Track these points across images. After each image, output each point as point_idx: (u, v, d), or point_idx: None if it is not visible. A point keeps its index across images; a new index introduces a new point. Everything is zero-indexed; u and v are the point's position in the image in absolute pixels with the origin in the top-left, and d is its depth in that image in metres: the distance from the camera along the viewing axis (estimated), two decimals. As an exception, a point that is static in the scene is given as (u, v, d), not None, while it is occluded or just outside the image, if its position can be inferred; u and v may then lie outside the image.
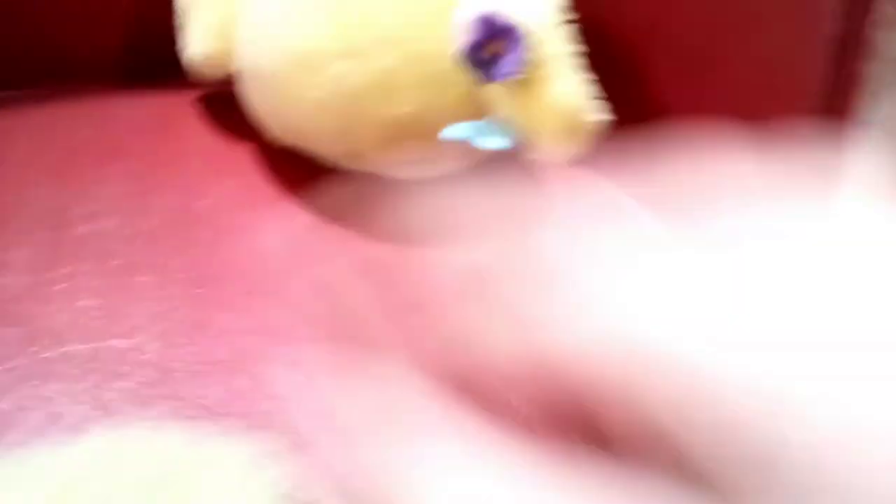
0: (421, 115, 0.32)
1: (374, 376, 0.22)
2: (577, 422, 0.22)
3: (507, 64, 0.30)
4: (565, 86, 0.30)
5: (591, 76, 0.31)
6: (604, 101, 0.31)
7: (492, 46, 0.30)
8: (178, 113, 0.40)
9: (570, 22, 0.31)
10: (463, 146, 0.31)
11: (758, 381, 0.18)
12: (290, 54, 0.33)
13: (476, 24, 0.30)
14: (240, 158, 0.37)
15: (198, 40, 0.37)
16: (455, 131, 0.31)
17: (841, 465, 0.17)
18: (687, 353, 0.19)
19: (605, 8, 0.37)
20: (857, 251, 0.21)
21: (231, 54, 0.36)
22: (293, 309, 0.29)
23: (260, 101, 0.36)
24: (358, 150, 0.34)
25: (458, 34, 0.30)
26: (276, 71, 0.34)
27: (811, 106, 0.35)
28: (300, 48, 0.33)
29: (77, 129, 0.38)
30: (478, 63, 0.30)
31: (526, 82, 0.30)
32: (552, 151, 0.31)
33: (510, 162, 0.33)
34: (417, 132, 0.33)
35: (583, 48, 0.31)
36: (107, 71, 0.42)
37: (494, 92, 0.31)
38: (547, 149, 0.31)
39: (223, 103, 0.39)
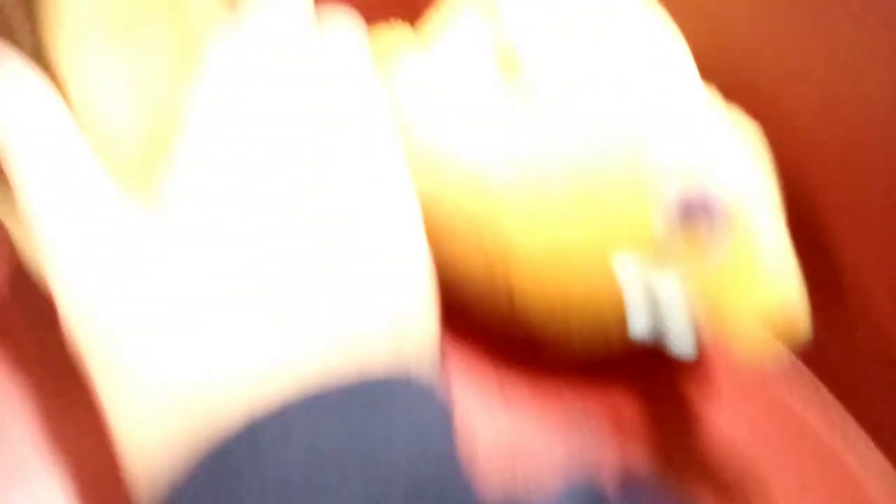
0: (595, 293, 0.28)
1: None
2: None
3: (713, 240, 0.25)
4: (775, 274, 0.26)
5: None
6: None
7: (696, 218, 0.26)
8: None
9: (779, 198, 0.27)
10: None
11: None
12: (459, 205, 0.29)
13: (684, 197, 0.26)
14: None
15: None
16: (640, 325, 0.26)
17: None
18: None
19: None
20: None
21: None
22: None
23: None
24: (515, 313, 0.30)
25: (660, 207, 0.26)
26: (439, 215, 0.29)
27: None
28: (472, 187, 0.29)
29: None
30: (679, 235, 0.26)
31: (729, 266, 0.26)
32: (750, 350, 0.27)
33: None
34: (589, 312, 0.29)
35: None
36: None
37: (685, 268, 0.27)
38: (744, 346, 0.26)
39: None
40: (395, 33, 0.32)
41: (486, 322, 0.32)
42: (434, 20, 0.32)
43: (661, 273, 0.26)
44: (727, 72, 0.32)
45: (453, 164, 0.29)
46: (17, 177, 0.21)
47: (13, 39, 0.22)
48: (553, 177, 0.28)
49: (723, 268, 0.26)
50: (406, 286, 0.22)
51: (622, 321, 0.27)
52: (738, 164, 0.27)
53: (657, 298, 0.26)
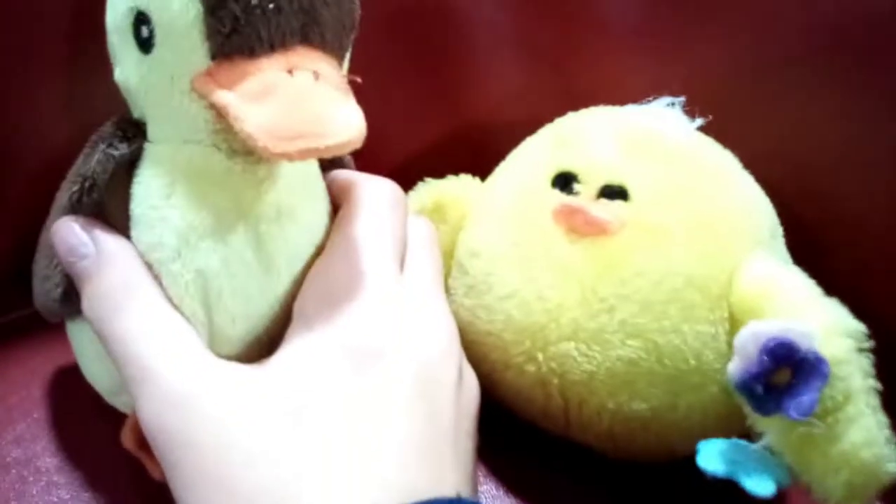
0: (658, 416, 0.27)
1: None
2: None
3: (803, 401, 0.24)
4: (865, 431, 0.24)
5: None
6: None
7: (780, 374, 0.24)
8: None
9: (870, 350, 0.25)
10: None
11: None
12: (513, 320, 0.29)
13: (769, 350, 0.24)
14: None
15: None
16: (712, 461, 0.25)
17: None
18: None
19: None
20: None
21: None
22: None
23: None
24: (574, 434, 0.30)
25: (740, 356, 0.25)
26: (490, 331, 0.30)
27: None
28: (529, 318, 0.29)
29: None
30: (759, 392, 0.24)
31: (817, 420, 0.24)
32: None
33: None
34: (651, 435, 0.28)
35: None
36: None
37: (767, 424, 0.25)
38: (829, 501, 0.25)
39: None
40: (465, 183, 0.35)
41: (538, 430, 0.31)
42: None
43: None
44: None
45: (509, 286, 0.29)
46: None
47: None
48: (619, 298, 0.27)
49: (811, 419, 0.24)
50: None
51: (689, 440, 0.26)
52: (830, 316, 0.25)
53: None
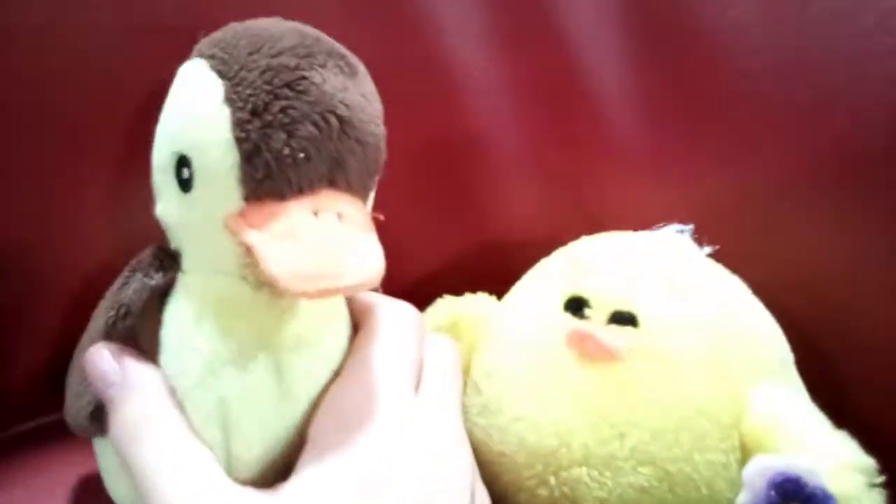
0: None
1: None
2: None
3: None
4: None
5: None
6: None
7: None
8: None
9: (881, 485, 0.26)
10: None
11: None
12: (526, 444, 0.29)
13: (777, 485, 0.24)
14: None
15: None
16: None
17: None
18: None
19: None
20: None
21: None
22: None
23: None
24: None
25: (748, 490, 0.25)
26: (504, 452, 0.30)
27: None
28: (541, 442, 0.29)
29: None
30: None
31: None
32: None
33: None
34: None
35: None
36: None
37: None
38: None
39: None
40: (481, 301, 0.36)
41: None
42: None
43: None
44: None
45: (522, 408, 0.30)
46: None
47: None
48: (630, 424, 0.28)
49: None
50: None
51: None
52: (839, 451, 0.26)
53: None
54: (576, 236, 0.35)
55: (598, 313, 0.30)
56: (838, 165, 0.33)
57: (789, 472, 0.24)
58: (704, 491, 0.27)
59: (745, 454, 0.28)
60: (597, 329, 0.30)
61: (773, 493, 0.24)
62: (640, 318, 0.30)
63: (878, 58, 0.32)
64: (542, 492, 0.29)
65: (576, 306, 0.31)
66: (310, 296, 0.22)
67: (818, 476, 0.24)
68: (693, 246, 0.33)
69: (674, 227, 0.33)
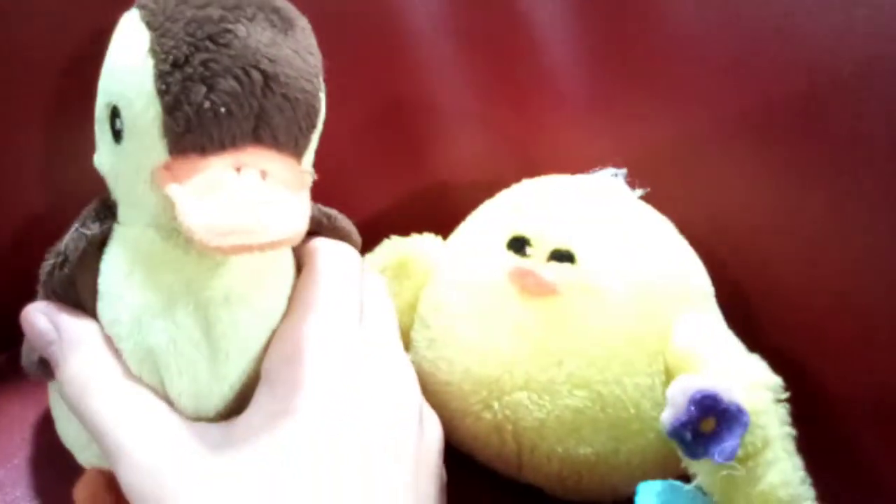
0: (602, 460, 0.30)
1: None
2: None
3: (726, 447, 0.27)
4: (781, 473, 0.27)
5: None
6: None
7: (706, 423, 0.27)
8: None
9: (786, 401, 0.28)
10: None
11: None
12: (471, 372, 0.32)
13: (696, 401, 0.27)
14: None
15: None
16: (650, 500, 0.28)
17: None
18: None
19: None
20: None
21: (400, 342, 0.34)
22: None
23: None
24: (527, 476, 0.33)
25: (671, 406, 0.28)
26: (451, 381, 0.32)
27: None
28: (486, 370, 0.31)
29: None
30: (688, 438, 0.27)
31: (739, 464, 0.27)
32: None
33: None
34: (597, 477, 0.31)
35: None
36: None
37: (697, 466, 0.28)
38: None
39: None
40: (427, 241, 0.38)
41: (493, 472, 0.33)
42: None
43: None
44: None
45: (468, 340, 0.32)
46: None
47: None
48: (567, 352, 0.30)
49: (733, 464, 0.27)
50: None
51: (631, 481, 0.29)
52: (751, 371, 0.28)
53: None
54: (517, 180, 0.37)
55: (538, 251, 0.33)
56: (765, 117, 0.35)
57: (707, 389, 0.27)
58: (632, 410, 0.30)
59: (668, 377, 0.31)
60: (537, 265, 0.32)
61: (692, 408, 0.27)
62: (577, 256, 0.32)
63: (806, 12, 0.34)
64: (487, 415, 0.32)
65: (518, 245, 0.33)
66: (224, 251, 0.22)
67: (733, 393, 0.27)
68: (626, 188, 0.35)
69: (609, 171, 0.36)
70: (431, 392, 0.33)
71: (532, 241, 0.33)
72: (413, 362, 0.35)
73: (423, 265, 0.36)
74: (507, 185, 0.37)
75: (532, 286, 0.31)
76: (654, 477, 0.30)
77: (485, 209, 0.37)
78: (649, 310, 0.31)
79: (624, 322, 0.31)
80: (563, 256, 0.32)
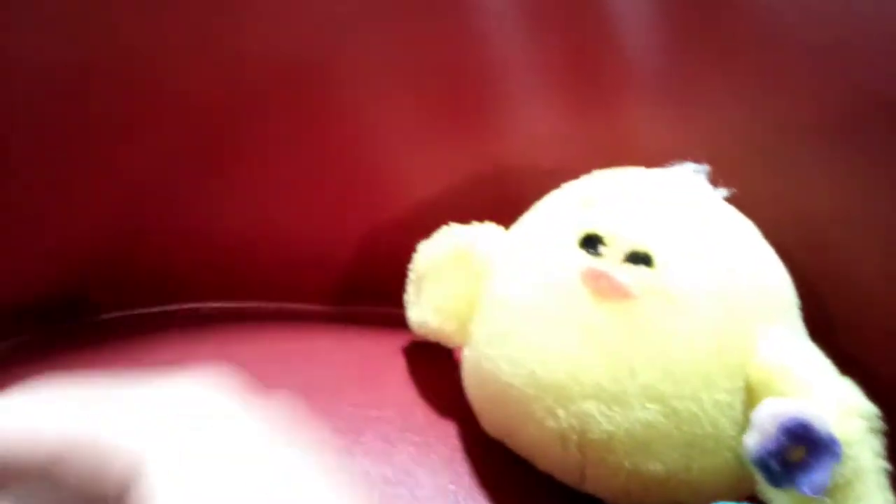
0: (673, 476, 0.29)
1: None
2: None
3: (815, 479, 0.25)
4: None
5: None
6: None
7: (795, 452, 0.26)
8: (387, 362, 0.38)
9: (882, 433, 0.27)
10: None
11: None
12: (536, 376, 0.30)
13: (786, 429, 0.25)
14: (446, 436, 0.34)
15: (425, 312, 0.36)
16: None
17: None
18: None
19: None
20: None
21: (458, 335, 0.35)
22: None
23: (481, 397, 0.33)
24: (589, 488, 0.31)
25: (758, 432, 0.26)
26: (513, 384, 0.31)
27: None
28: (552, 375, 0.30)
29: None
30: (775, 468, 0.26)
31: (825, 496, 0.26)
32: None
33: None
34: (665, 493, 0.29)
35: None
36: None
37: (777, 494, 0.27)
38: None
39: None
40: (488, 230, 0.36)
41: (553, 480, 0.32)
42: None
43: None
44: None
45: (534, 340, 0.30)
46: None
47: None
48: (641, 362, 0.28)
49: (818, 500, 0.25)
50: None
51: (700, 499, 0.28)
52: (844, 397, 0.27)
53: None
54: (586, 168, 0.35)
55: (613, 251, 0.30)
56: (864, 107, 0.33)
57: (800, 417, 0.25)
58: (709, 429, 0.28)
59: (749, 395, 0.29)
60: (612, 267, 0.30)
61: (782, 436, 0.25)
62: (655, 259, 0.30)
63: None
64: (551, 423, 0.30)
65: (591, 244, 0.31)
66: None
67: (825, 422, 0.25)
68: (708, 187, 0.33)
69: (689, 166, 0.33)
70: (492, 392, 0.31)
71: (606, 240, 0.31)
72: (470, 358, 0.34)
73: (483, 256, 0.34)
74: (574, 173, 0.35)
75: (606, 289, 0.30)
76: (724, 497, 0.28)
77: (553, 200, 0.35)
78: (731, 321, 0.29)
79: (704, 333, 0.29)
80: (639, 258, 0.30)
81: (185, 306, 0.40)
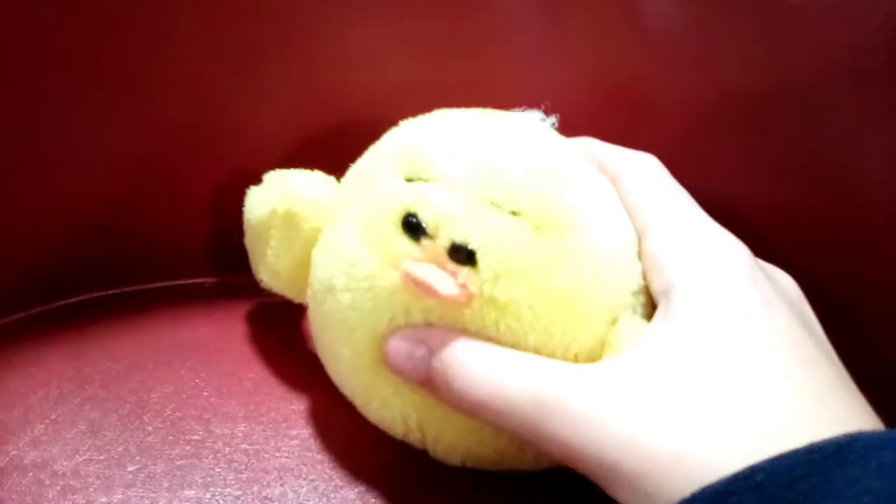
0: (506, 458, 0.28)
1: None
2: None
3: None
4: None
5: None
6: None
7: None
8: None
9: None
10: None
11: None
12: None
13: None
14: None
15: (267, 280, 0.33)
16: None
17: None
18: None
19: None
20: None
21: (302, 297, 0.31)
22: None
23: (330, 361, 0.30)
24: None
25: None
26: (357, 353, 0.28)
27: None
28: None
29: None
30: None
31: None
32: None
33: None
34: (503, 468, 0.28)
35: None
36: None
37: None
38: None
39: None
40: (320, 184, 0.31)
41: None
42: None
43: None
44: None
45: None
46: None
47: None
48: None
49: None
50: None
51: None
52: None
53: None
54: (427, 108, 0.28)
55: (435, 241, 0.26)
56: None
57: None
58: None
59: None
60: (432, 274, 0.25)
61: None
62: (478, 256, 0.25)
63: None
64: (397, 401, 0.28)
65: (412, 228, 0.26)
66: None
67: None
68: (559, 138, 0.27)
69: (535, 114, 0.27)
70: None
71: (428, 228, 0.26)
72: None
73: (311, 216, 0.30)
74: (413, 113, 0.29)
75: (430, 298, 0.26)
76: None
77: (376, 156, 0.29)
78: (565, 328, 0.26)
79: (533, 342, 0.26)
80: (462, 254, 0.25)
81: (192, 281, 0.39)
